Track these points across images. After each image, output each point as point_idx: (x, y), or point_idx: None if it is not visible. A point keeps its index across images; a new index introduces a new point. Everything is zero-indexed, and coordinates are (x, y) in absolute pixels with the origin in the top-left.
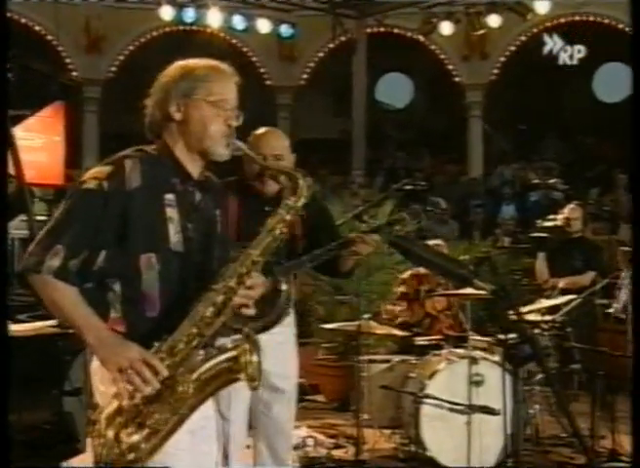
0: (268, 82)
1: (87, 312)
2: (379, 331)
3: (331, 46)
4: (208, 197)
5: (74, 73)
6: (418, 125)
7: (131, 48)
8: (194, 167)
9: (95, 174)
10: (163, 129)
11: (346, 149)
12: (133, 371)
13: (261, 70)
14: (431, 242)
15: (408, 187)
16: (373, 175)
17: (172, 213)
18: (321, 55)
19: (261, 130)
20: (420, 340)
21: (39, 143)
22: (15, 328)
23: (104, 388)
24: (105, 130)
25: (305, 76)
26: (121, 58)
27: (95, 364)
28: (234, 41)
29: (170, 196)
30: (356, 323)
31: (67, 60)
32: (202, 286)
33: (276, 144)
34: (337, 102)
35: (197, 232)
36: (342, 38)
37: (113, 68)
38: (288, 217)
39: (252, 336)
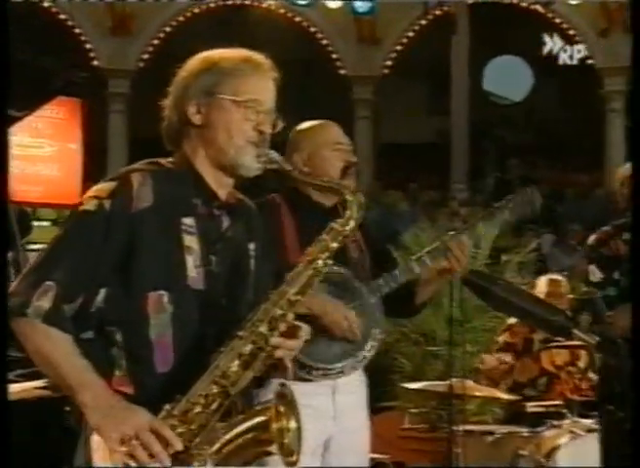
0: (342, 71)
1: (83, 366)
2: (478, 394)
3: (422, 23)
4: (239, 224)
5: (95, 62)
6: (538, 123)
7: (167, 29)
8: (221, 185)
9: (94, 192)
10: (182, 136)
11: (444, 156)
12: (138, 443)
13: (334, 56)
14: (549, 277)
15: (518, 204)
16: (478, 189)
17: (191, 241)
18: (410, 34)
19: (307, 124)
20: (534, 406)
21: (49, 152)
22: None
23: None
24: (135, 134)
25: (390, 63)
26: (155, 42)
27: (96, 437)
28: (298, 19)
29: (189, 220)
30: (447, 382)
31: (88, 46)
32: (227, 334)
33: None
34: (431, 96)
35: (223, 266)
36: (437, 12)
37: (145, 56)
38: (334, 245)
39: (288, 394)
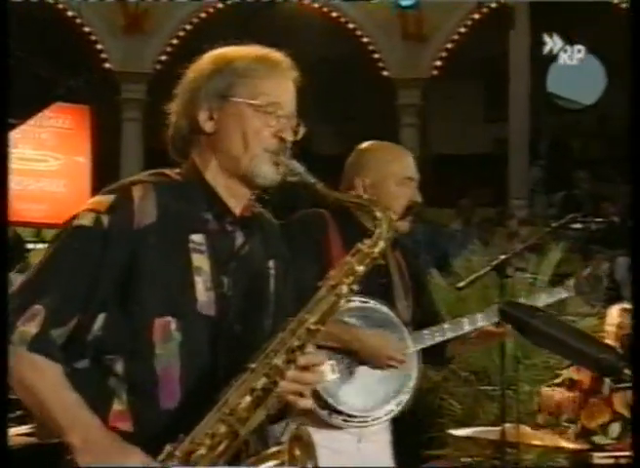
0: (386, 73)
1: (73, 401)
2: (537, 442)
3: (475, 17)
4: (255, 241)
5: (106, 65)
6: (610, 130)
7: (186, 27)
8: (235, 197)
9: (91, 205)
10: (190, 145)
11: (501, 168)
12: None
13: (375, 56)
14: (622, 306)
15: (582, 225)
16: (541, 206)
17: (200, 260)
18: (461, 30)
19: (376, 146)
20: (604, 457)
21: (54, 166)
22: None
23: None
24: (151, 144)
25: (438, 63)
26: (173, 41)
27: None
28: (334, 14)
29: (198, 237)
30: (500, 428)
31: (98, 47)
32: (242, 366)
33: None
34: (486, 100)
35: (237, 289)
36: (492, 4)
37: (162, 57)
38: (360, 269)
39: (305, 435)
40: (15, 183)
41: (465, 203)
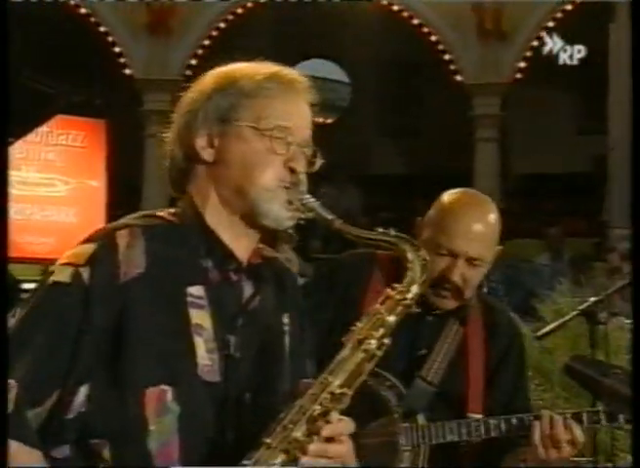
0: (459, 77)
1: None
2: None
3: (566, 9)
4: (268, 292)
5: (127, 71)
6: None
7: (220, 25)
8: (241, 240)
9: (68, 257)
10: (188, 177)
11: (599, 191)
12: None
13: (447, 57)
14: None
15: None
16: None
17: (200, 317)
18: (549, 25)
19: (468, 194)
20: None
21: (63, 191)
22: None
23: None
24: None
25: (522, 65)
26: (205, 43)
27: None
28: (396, 7)
29: (196, 290)
30: None
31: (117, 50)
32: (254, 441)
33: (481, 232)
34: (581, 109)
35: (246, 350)
36: None
37: (192, 61)
38: (391, 319)
39: None
40: (15, 212)
41: (555, 233)
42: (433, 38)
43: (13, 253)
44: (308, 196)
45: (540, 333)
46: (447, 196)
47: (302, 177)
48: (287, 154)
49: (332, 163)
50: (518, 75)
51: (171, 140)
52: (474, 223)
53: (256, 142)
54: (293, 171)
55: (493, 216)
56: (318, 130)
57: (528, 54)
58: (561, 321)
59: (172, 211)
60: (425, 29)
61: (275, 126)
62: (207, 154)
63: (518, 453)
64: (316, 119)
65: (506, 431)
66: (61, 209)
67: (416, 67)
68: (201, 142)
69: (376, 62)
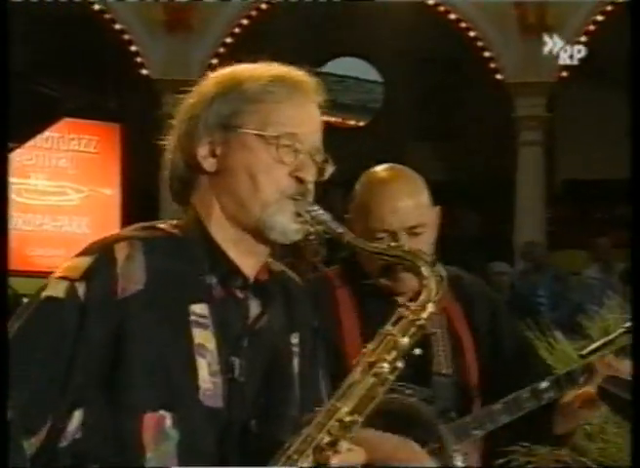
0: (499, 76)
1: None
2: None
3: (617, 0)
4: (277, 310)
5: (143, 71)
6: None
7: (244, 22)
8: (247, 255)
9: (63, 271)
10: (190, 188)
11: None
12: None
13: (486, 55)
14: None
15: None
16: None
17: (204, 337)
18: (598, 19)
19: (380, 171)
20: None
21: (75, 200)
22: None
23: None
24: None
25: (569, 62)
26: (227, 40)
27: None
28: (431, 1)
29: (200, 308)
30: None
31: (133, 49)
32: None
33: (407, 204)
34: (632, 109)
35: (251, 373)
36: None
37: (214, 61)
38: (404, 341)
39: None
40: (24, 222)
41: (604, 243)
42: (472, 34)
43: (21, 266)
44: (317, 207)
45: (584, 352)
46: (363, 181)
47: (311, 187)
48: (295, 163)
49: (363, 169)
50: (563, 73)
51: (171, 148)
52: (399, 195)
53: (261, 151)
54: (301, 181)
55: (414, 183)
56: (349, 133)
57: (576, 51)
58: (606, 339)
59: (174, 222)
60: (463, 24)
61: (282, 133)
62: (209, 164)
63: (564, 409)
64: (347, 122)
65: (558, 391)
66: (73, 219)
67: (453, 66)
68: (202, 151)
69: (410, 60)
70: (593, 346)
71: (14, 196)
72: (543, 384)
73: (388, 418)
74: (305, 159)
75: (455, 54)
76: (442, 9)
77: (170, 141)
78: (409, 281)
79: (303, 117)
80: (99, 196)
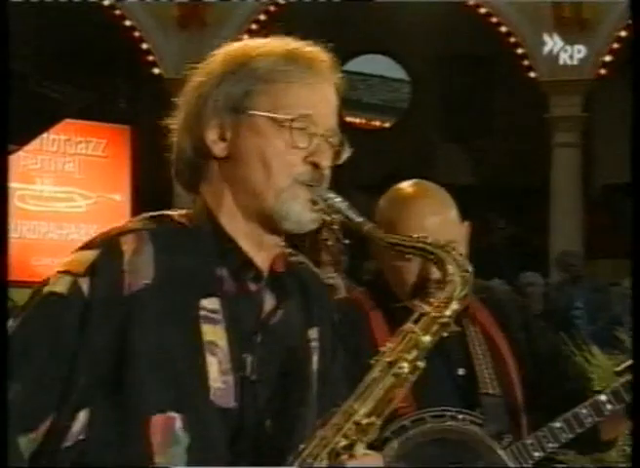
0: (533, 74)
1: None
2: None
3: None
4: (293, 304)
5: (155, 70)
6: None
7: (261, 17)
8: (260, 246)
9: (66, 265)
10: (199, 175)
11: None
12: None
13: (519, 51)
14: None
15: None
16: None
17: (214, 333)
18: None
19: (407, 187)
20: None
21: (83, 207)
22: None
23: None
24: None
25: (607, 59)
26: (244, 37)
27: None
28: None
29: (211, 302)
30: None
31: (144, 46)
32: None
33: (434, 221)
34: None
35: (265, 371)
36: None
37: None
38: (426, 340)
39: None
40: (29, 230)
41: None
42: (503, 29)
43: (26, 276)
44: (334, 195)
45: (618, 369)
46: (388, 197)
47: (327, 173)
48: (309, 147)
49: (390, 172)
50: (602, 71)
51: (177, 133)
52: (426, 213)
53: (273, 135)
54: (316, 166)
55: (440, 199)
56: (375, 134)
57: (614, 46)
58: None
59: (183, 212)
60: (494, 19)
61: (295, 115)
62: (218, 149)
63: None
64: (372, 123)
65: (619, 403)
66: (81, 226)
67: (483, 63)
68: (211, 135)
69: (438, 57)
70: (629, 362)
71: (18, 202)
72: (603, 397)
73: (446, 448)
74: (321, 142)
75: (485, 50)
76: (472, 2)
77: (176, 123)
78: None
79: (318, 97)
80: (107, 202)
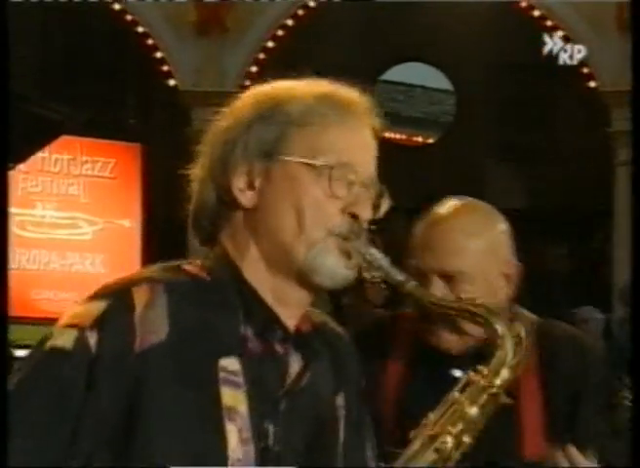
0: (593, 83)
1: None
2: None
3: None
4: (321, 367)
5: (171, 82)
6: None
7: (289, 22)
8: (288, 303)
9: (72, 318)
10: (221, 224)
11: None
12: None
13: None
14: None
15: None
16: None
17: (234, 398)
18: None
19: (447, 205)
20: None
21: (89, 234)
22: None
23: None
24: None
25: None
26: (268, 44)
27: None
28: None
29: (231, 363)
30: None
31: (158, 55)
32: None
33: (447, 245)
34: None
35: (290, 441)
36: None
37: (253, 68)
38: (473, 412)
39: None
40: (28, 260)
41: None
42: (559, 34)
43: (25, 311)
44: (374, 250)
45: None
46: (427, 217)
47: (365, 226)
48: (347, 197)
49: (433, 193)
50: None
51: (200, 179)
52: (450, 232)
53: (310, 183)
54: (354, 217)
55: (472, 223)
56: (417, 151)
57: None
58: None
59: (200, 263)
60: (549, 23)
61: (333, 162)
62: (246, 198)
63: None
64: (414, 138)
65: None
66: (86, 256)
67: (537, 72)
68: (239, 182)
69: (486, 66)
70: None
71: (16, 229)
72: None
73: None
74: (361, 192)
75: (539, 58)
76: (524, 4)
77: (198, 171)
78: (452, 339)
79: (357, 142)
80: (116, 229)
